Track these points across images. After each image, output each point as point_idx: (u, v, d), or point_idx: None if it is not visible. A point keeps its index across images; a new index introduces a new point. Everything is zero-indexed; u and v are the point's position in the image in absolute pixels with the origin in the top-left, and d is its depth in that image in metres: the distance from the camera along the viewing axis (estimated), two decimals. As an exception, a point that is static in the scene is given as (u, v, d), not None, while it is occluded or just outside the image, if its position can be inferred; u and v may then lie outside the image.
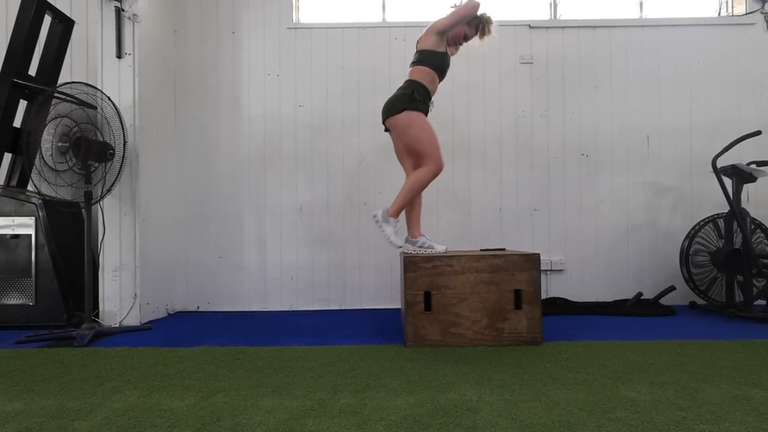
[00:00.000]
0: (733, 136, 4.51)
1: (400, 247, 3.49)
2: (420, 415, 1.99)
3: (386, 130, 3.63)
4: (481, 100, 4.84)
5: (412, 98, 3.41)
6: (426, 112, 3.51)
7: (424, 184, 3.44)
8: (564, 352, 2.97)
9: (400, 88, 3.53)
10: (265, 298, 4.84)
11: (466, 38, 3.67)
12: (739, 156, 4.61)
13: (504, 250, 3.73)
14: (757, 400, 2.12)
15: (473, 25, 3.59)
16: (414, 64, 3.56)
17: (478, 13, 3.53)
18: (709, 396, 2.17)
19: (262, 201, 4.85)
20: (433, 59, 3.49)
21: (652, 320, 4.03)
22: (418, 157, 3.50)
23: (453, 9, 3.54)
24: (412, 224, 3.65)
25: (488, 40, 3.62)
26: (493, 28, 3.60)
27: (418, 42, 3.61)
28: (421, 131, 3.41)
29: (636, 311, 4.25)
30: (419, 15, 5.03)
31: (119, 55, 4.10)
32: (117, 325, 3.98)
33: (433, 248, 3.48)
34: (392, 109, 3.45)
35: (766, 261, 4.00)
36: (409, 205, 3.62)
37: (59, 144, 3.49)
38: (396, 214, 3.44)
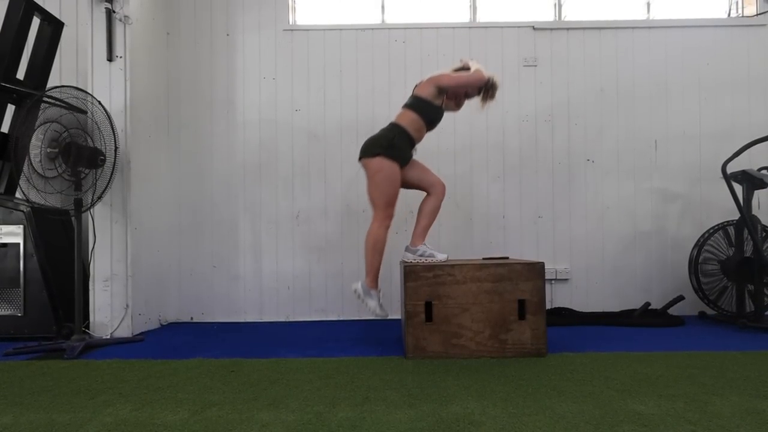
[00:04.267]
0: (744, 141, 4.53)
1: (387, 315, 3.52)
2: (421, 429, 2.00)
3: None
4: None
5: (391, 144, 3.42)
6: (403, 162, 3.51)
7: (380, 239, 3.47)
8: (569, 364, 2.99)
9: (383, 130, 3.55)
10: (261, 308, 4.85)
11: (468, 97, 3.69)
12: (749, 161, 4.63)
13: (507, 258, 3.75)
14: (768, 413, 2.13)
15: (477, 88, 3.61)
16: (406, 107, 3.57)
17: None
18: (720, 409, 2.19)
19: (257, 208, 4.87)
20: (427, 110, 3.51)
21: (660, 331, 4.04)
22: (371, 204, 3.54)
23: (460, 67, 3.61)
24: (418, 234, 3.62)
25: (490, 103, 3.67)
26: (497, 92, 3.63)
27: (416, 86, 3.62)
28: (385, 183, 3.43)
29: (643, 322, 4.26)
30: (419, 16, 5.07)
31: (110, 58, 4.12)
32: (108, 337, 3.99)
33: (433, 257, 3.49)
34: (368, 150, 3.47)
35: (778, 269, 4.02)
36: (419, 214, 3.64)
37: (48, 150, 3.50)
38: (374, 284, 3.49)
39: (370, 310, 3.45)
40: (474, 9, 5.04)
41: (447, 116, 4.63)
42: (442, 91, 3.50)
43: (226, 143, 4.89)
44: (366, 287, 3.47)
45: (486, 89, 3.60)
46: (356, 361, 3.16)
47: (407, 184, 3.62)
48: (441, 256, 3.51)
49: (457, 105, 3.73)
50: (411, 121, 3.49)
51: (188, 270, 4.86)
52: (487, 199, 4.87)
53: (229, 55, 4.92)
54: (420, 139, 3.59)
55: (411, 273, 3.22)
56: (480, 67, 3.54)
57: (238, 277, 4.86)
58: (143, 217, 4.31)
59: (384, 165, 3.40)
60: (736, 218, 4.29)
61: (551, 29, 4.92)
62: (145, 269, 4.33)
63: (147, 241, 4.36)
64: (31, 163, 3.45)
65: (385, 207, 3.45)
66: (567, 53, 4.91)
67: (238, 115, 4.90)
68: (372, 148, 3.45)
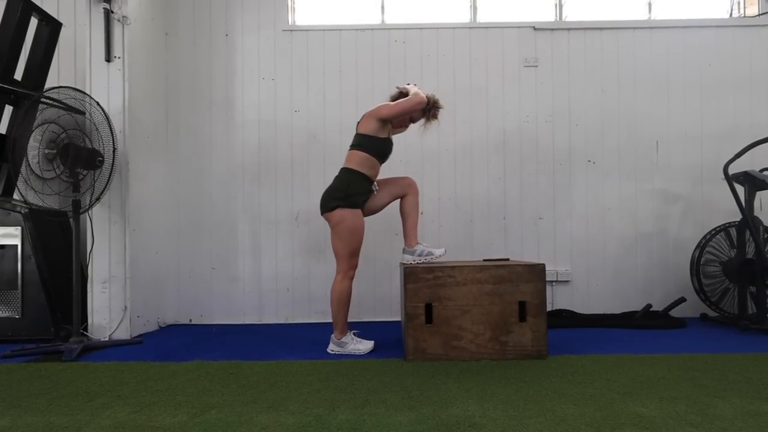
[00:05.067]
0: (746, 142, 4.53)
1: (366, 351, 3.51)
2: (421, 432, 2.00)
3: None
4: (483, 105, 4.88)
5: (347, 194, 3.41)
6: (363, 204, 3.51)
7: (344, 293, 3.46)
8: (570, 366, 2.99)
9: (336, 179, 3.54)
10: (260, 310, 4.85)
11: (413, 121, 3.70)
12: (751, 162, 4.62)
13: (508, 260, 3.75)
14: (770, 416, 2.13)
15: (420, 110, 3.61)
16: (353, 147, 3.55)
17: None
18: (721, 411, 2.19)
19: (256, 209, 4.87)
20: (373, 145, 3.49)
21: (661, 333, 4.04)
22: (336, 257, 3.52)
23: (397, 93, 3.62)
24: (408, 234, 3.61)
25: (434, 123, 3.67)
26: (439, 112, 3.64)
27: (358, 124, 3.60)
28: (348, 234, 3.41)
29: (645, 324, 4.26)
30: (419, 16, 5.08)
31: (108, 59, 4.13)
32: (106, 339, 3.99)
33: (432, 254, 3.51)
34: (326, 205, 3.48)
35: (780, 271, 4.02)
36: (402, 216, 3.63)
37: (46, 151, 3.51)
38: (343, 332, 3.50)
39: (361, 351, 3.47)
40: (474, 9, 5.05)
41: (448, 118, 4.66)
42: (385, 122, 3.48)
43: (225, 144, 4.89)
44: (337, 341, 3.50)
45: (429, 109, 3.59)
46: (356, 363, 3.17)
47: (382, 206, 3.64)
48: (438, 251, 3.52)
49: (405, 127, 3.75)
50: (361, 160, 3.48)
51: (187, 271, 4.86)
52: (488, 200, 4.87)
53: (228, 55, 4.93)
54: (376, 175, 3.57)
55: (411, 275, 3.22)
56: (417, 90, 3.50)
57: (237, 279, 4.86)
58: (142, 219, 4.31)
59: (345, 215, 3.40)
60: (738, 219, 4.30)
61: (552, 29, 4.93)
62: (144, 271, 4.34)
63: (145, 242, 4.37)
64: (29, 165, 3.45)
65: (348, 257, 3.46)
66: (568, 54, 4.92)
67: (237, 115, 4.90)
68: (329, 203, 3.45)
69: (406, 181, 3.65)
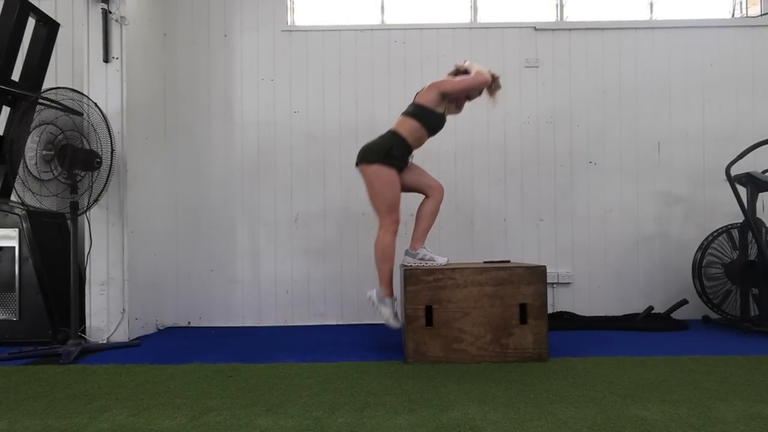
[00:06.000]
0: (748, 143, 4.54)
1: (399, 327, 3.52)
2: (421, 435, 2.01)
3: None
4: (484, 106, 4.86)
5: (389, 154, 3.43)
6: (401, 168, 3.53)
7: (389, 246, 3.46)
8: (571, 369, 2.99)
9: (382, 137, 3.55)
10: (259, 312, 4.86)
11: (469, 99, 3.69)
12: (754, 164, 4.62)
13: (509, 262, 3.75)
14: (772, 419, 2.14)
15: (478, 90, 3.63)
16: (407, 114, 3.56)
17: None
18: (723, 414, 2.19)
19: (255, 211, 4.88)
20: (429, 118, 3.51)
21: (663, 335, 4.05)
22: (375, 212, 3.55)
23: (453, 71, 3.63)
24: (417, 237, 3.63)
25: (497, 95, 3.68)
26: (501, 82, 3.65)
27: (417, 93, 3.62)
28: (385, 189, 3.44)
29: (646, 326, 4.27)
30: (419, 16, 5.09)
31: (106, 60, 4.13)
32: (104, 342, 3.99)
33: (434, 260, 3.50)
34: (365, 157, 3.49)
35: (782, 273, 4.02)
36: (418, 217, 3.65)
37: (44, 152, 3.51)
38: (389, 292, 3.49)
39: (383, 318, 3.47)
40: (475, 9, 5.05)
41: (448, 120, 4.66)
42: (445, 97, 3.50)
43: (224, 145, 4.90)
44: (381, 295, 3.48)
45: (490, 87, 3.62)
46: (356, 365, 3.17)
47: (404, 188, 3.61)
48: (441, 260, 3.52)
49: (458, 108, 3.74)
50: (412, 129, 3.49)
51: (185, 274, 4.86)
52: (488, 202, 4.88)
53: (226, 56, 4.94)
54: (419, 146, 3.59)
55: (411, 277, 3.22)
56: (480, 68, 3.54)
57: (236, 281, 4.86)
58: (140, 220, 4.31)
59: (382, 172, 3.42)
60: (740, 221, 4.30)
61: (553, 30, 4.94)
62: (142, 273, 4.34)
63: (144, 244, 4.37)
64: (27, 166, 3.46)
65: (388, 212, 3.45)
66: (569, 54, 4.93)
67: (236, 116, 4.91)
68: (369, 156, 3.46)
69: (436, 183, 3.68)
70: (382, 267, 3.47)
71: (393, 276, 3.53)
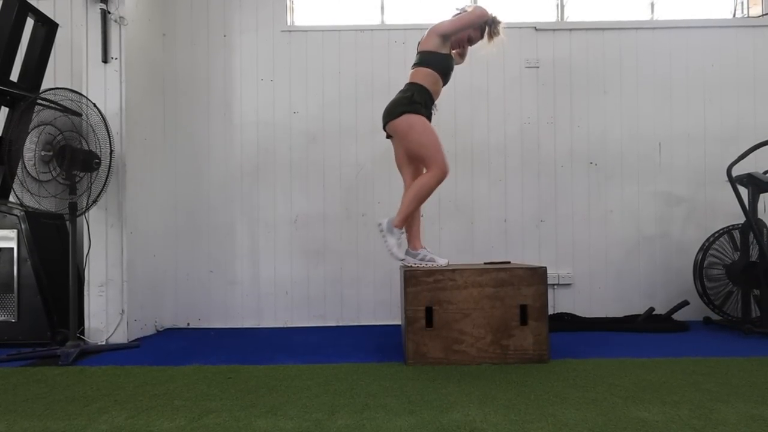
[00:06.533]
0: (749, 143, 4.55)
1: (402, 259, 3.51)
2: (421, 437, 2.01)
3: (388, 136, 3.66)
4: (484, 106, 4.88)
5: (412, 101, 3.43)
6: (428, 116, 3.53)
7: (429, 191, 3.43)
8: (572, 371, 2.99)
9: (400, 92, 3.55)
10: (259, 314, 4.86)
11: (471, 42, 3.74)
12: (755, 164, 4.64)
13: (509, 263, 3.76)
14: (774, 420, 2.14)
15: (479, 28, 3.65)
16: (415, 65, 3.59)
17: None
18: (725, 416, 2.20)
19: (255, 212, 4.88)
20: (436, 61, 3.52)
21: (664, 336, 4.05)
22: (421, 163, 3.54)
23: (458, 13, 3.61)
24: (413, 236, 3.66)
25: (496, 41, 3.68)
26: (501, 28, 3.65)
27: (419, 43, 3.65)
28: (422, 135, 3.41)
29: (647, 327, 4.27)
30: (419, 17, 5.09)
31: (105, 60, 4.13)
32: (103, 343, 4.00)
33: (434, 261, 3.49)
34: (392, 113, 3.48)
35: (784, 274, 4.02)
36: (406, 196, 3.60)
37: (42, 153, 3.51)
38: (401, 225, 3.46)
39: (387, 246, 3.45)
40: (475, 9, 5.05)
41: (449, 120, 4.68)
42: (445, 38, 3.52)
43: (223, 146, 4.90)
44: (390, 225, 3.46)
45: (489, 29, 3.64)
46: (355, 367, 3.17)
47: (403, 154, 3.64)
48: (442, 261, 3.51)
49: (461, 56, 3.81)
50: (425, 75, 3.51)
51: (185, 275, 4.86)
52: (489, 203, 4.88)
53: (226, 56, 4.94)
54: (438, 93, 3.59)
55: (411, 278, 3.22)
56: (478, 5, 3.57)
57: (236, 282, 4.86)
58: (139, 221, 4.32)
59: (412, 120, 3.41)
60: (742, 222, 4.30)
61: (553, 30, 4.94)
62: (141, 274, 4.34)
63: (143, 245, 4.37)
64: (25, 167, 3.46)
65: (435, 154, 3.39)
66: (569, 54, 4.93)
67: (236, 117, 4.91)
68: (395, 109, 3.46)
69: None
70: (409, 202, 3.44)
71: (411, 216, 3.54)
